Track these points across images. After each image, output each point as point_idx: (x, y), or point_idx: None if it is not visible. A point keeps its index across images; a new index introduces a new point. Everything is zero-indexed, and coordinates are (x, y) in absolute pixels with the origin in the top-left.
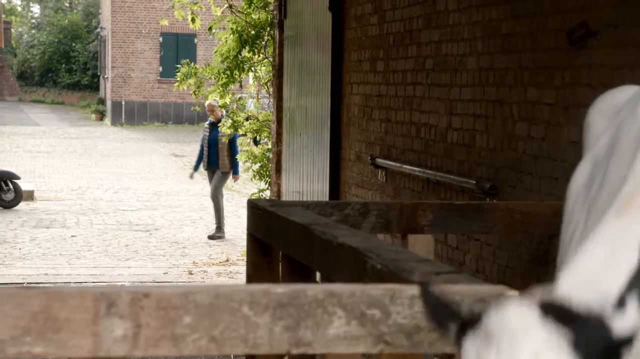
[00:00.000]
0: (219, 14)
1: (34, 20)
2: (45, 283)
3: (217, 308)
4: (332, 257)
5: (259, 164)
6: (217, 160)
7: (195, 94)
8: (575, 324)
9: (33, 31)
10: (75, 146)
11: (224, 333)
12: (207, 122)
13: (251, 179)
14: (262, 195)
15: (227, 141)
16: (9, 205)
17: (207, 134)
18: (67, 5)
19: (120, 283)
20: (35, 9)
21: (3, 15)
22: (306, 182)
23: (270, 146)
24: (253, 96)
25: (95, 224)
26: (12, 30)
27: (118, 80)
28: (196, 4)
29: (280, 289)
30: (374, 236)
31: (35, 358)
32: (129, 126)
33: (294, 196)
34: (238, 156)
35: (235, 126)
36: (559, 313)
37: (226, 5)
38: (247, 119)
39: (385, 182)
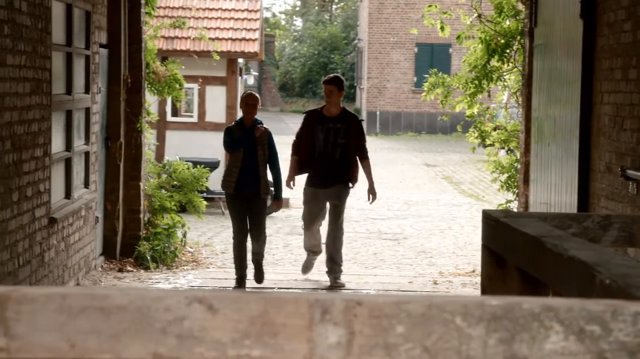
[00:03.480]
0: (467, 22)
1: (295, 33)
2: (294, 288)
3: (430, 318)
4: (562, 271)
5: (506, 175)
6: (256, 182)
7: (442, 103)
8: None
9: (295, 43)
10: None
11: (436, 344)
12: (236, 124)
13: (499, 189)
14: (509, 206)
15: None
16: (266, 212)
17: (240, 142)
18: (327, 17)
19: (365, 291)
20: (298, 22)
21: (268, 29)
22: (554, 193)
23: (518, 156)
24: (502, 106)
25: (346, 232)
26: (276, 43)
27: (373, 90)
28: (445, 13)
29: (494, 301)
30: (610, 250)
31: None
32: (383, 135)
33: (541, 208)
34: (485, 166)
35: (482, 136)
36: None
37: (475, 15)
38: (495, 129)
39: (636, 195)
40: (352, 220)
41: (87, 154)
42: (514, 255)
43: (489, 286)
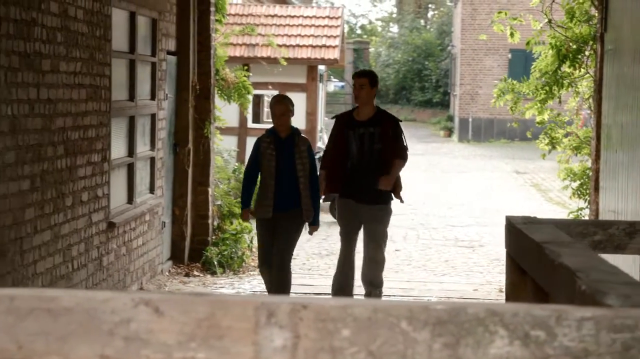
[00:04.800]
0: (537, 28)
1: (390, 40)
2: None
3: (375, 322)
4: (555, 277)
5: (578, 182)
6: (293, 201)
7: (512, 110)
8: None
9: (390, 50)
10: (420, 162)
11: (382, 348)
12: (267, 135)
13: (570, 196)
14: (580, 214)
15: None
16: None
17: (274, 154)
18: (423, 24)
19: (426, 298)
20: (394, 29)
21: (364, 36)
22: (621, 200)
23: (590, 164)
24: (573, 112)
25: (422, 239)
26: (371, 50)
27: (466, 97)
28: (515, 19)
29: (440, 305)
30: (601, 257)
31: None
32: (475, 142)
33: (609, 215)
34: (557, 173)
35: (553, 142)
36: None
37: (545, 20)
38: (566, 136)
39: None
40: (430, 227)
41: (152, 159)
42: (526, 261)
43: (512, 293)
